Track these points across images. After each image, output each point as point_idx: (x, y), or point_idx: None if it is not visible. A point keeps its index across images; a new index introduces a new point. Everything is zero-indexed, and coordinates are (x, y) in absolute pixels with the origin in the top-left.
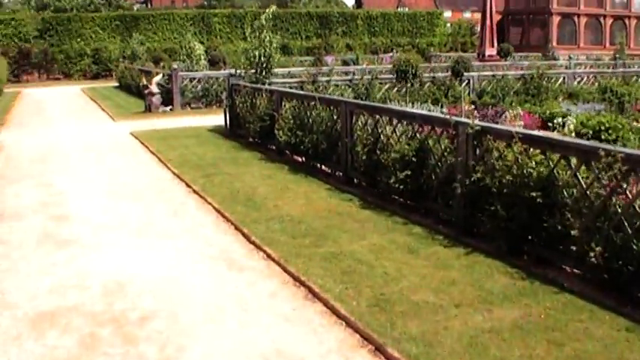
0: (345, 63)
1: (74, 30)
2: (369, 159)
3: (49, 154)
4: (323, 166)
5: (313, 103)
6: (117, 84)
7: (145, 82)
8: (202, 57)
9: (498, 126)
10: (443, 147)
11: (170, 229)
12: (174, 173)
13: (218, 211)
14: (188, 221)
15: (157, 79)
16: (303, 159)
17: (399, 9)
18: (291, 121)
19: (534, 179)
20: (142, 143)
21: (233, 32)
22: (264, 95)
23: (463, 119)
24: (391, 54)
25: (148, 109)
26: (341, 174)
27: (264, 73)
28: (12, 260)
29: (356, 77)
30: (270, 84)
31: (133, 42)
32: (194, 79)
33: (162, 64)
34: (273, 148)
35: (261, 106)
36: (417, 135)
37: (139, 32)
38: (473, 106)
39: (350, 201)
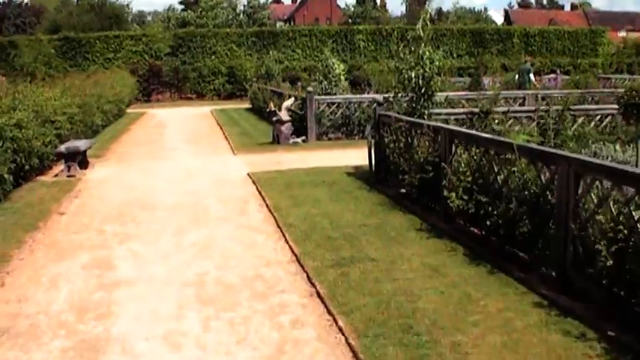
0: (519, 85)
1: (208, 47)
2: (620, 264)
3: (132, 206)
4: (520, 252)
5: (509, 154)
6: (250, 105)
7: (272, 108)
8: (342, 77)
9: None
10: None
11: None
12: (292, 252)
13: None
14: None
15: (288, 103)
16: (484, 232)
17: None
18: (469, 178)
19: None
20: (259, 191)
21: (378, 50)
22: (425, 134)
23: None
24: (554, 75)
25: (276, 140)
26: (553, 274)
27: (422, 101)
28: None
29: (541, 108)
30: (429, 116)
31: (268, 60)
32: (333, 103)
33: (299, 84)
34: (438, 209)
35: (421, 149)
36: None
37: (277, 49)
38: None
39: (586, 341)
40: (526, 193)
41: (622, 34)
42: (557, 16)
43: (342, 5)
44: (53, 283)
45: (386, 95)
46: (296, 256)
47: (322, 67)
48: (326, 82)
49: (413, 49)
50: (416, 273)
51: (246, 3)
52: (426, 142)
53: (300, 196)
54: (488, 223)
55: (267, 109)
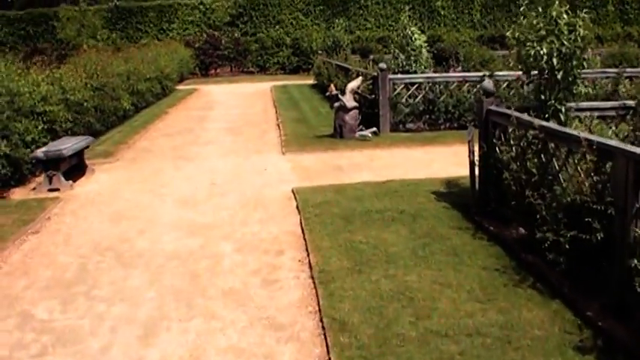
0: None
1: (271, 16)
2: None
3: (104, 256)
4: None
5: None
6: (314, 82)
7: (334, 91)
8: (424, 51)
9: None
10: None
11: None
12: None
13: None
14: None
15: (354, 85)
16: None
17: None
18: None
19: None
20: (302, 231)
21: (460, 19)
22: (579, 155)
23: None
24: None
25: (339, 133)
26: None
27: (557, 90)
28: None
29: None
30: (566, 113)
31: (336, 29)
32: (412, 84)
33: (371, 57)
34: (602, 284)
35: (571, 182)
36: None
37: (347, 18)
38: None
39: None
40: None
41: None
42: None
43: None
44: None
45: (485, 74)
46: None
47: (398, 37)
48: (403, 57)
49: (540, 9)
50: None
51: None
52: (583, 170)
53: (365, 248)
54: None
55: (328, 93)
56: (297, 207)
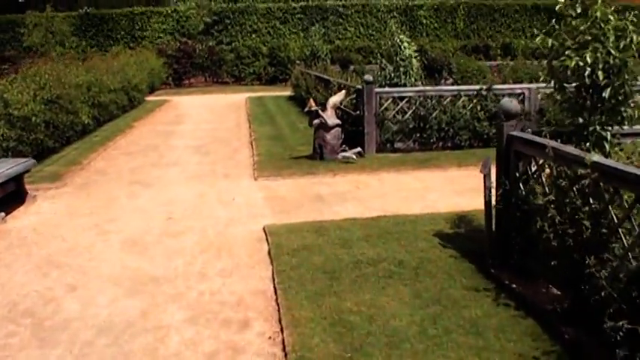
0: None
1: (248, 24)
2: None
3: (28, 314)
4: None
5: None
6: (292, 93)
7: (313, 107)
8: (415, 61)
9: None
10: None
11: None
12: None
13: None
14: None
15: (336, 99)
16: None
17: None
18: None
19: None
20: (274, 286)
21: (442, 28)
22: None
23: None
24: None
25: (319, 154)
26: None
27: (600, 112)
28: None
29: None
30: (612, 141)
31: (314, 38)
32: (401, 98)
33: (351, 67)
34: None
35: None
36: None
37: (326, 27)
38: None
39: None
40: None
41: None
42: None
43: None
44: None
45: (482, 87)
46: None
47: (386, 46)
48: (391, 69)
49: (579, 11)
50: None
51: None
52: None
53: (358, 321)
54: None
55: (307, 109)
56: (270, 253)
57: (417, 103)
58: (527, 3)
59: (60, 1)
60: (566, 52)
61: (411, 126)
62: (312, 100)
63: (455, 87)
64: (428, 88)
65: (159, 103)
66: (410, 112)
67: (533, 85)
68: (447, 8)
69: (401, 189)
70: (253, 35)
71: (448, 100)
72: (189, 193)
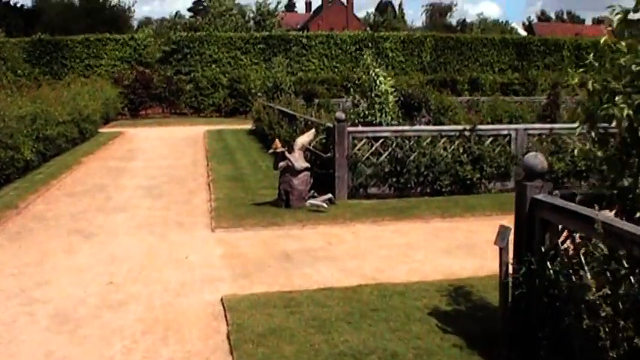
0: None
1: (207, 54)
2: None
3: None
4: None
5: None
6: (253, 127)
7: (279, 148)
8: (391, 97)
9: None
10: None
11: None
12: None
13: None
14: None
15: (304, 140)
16: None
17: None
18: None
19: None
20: None
21: (409, 61)
22: None
23: None
24: None
25: (285, 201)
26: None
27: None
28: None
29: None
30: None
31: (276, 69)
32: (376, 139)
33: (316, 100)
34: None
35: None
36: None
37: (289, 58)
38: None
39: None
40: None
41: None
42: (582, 30)
43: (360, 15)
44: None
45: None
46: None
47: (360, 79)
48: (365, 105)
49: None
50: None
51: (255, 10)
52: None
53: None
54: None
55: (272, 150)
56: (229, 339)
57: (394, 144)
58: (495, 37)
59: (15, 25)
60: (616, 99)
61: (386, 169)
62: (277, 141)
63: (435, 127)
64: (406, 127)
65: (112, 136)
66: (386, 153)
67: (521, 126)
68: (414, 41)
69: (380, 245)
70: (213, 65)
71: (428, 141)
72: (137, 249)
